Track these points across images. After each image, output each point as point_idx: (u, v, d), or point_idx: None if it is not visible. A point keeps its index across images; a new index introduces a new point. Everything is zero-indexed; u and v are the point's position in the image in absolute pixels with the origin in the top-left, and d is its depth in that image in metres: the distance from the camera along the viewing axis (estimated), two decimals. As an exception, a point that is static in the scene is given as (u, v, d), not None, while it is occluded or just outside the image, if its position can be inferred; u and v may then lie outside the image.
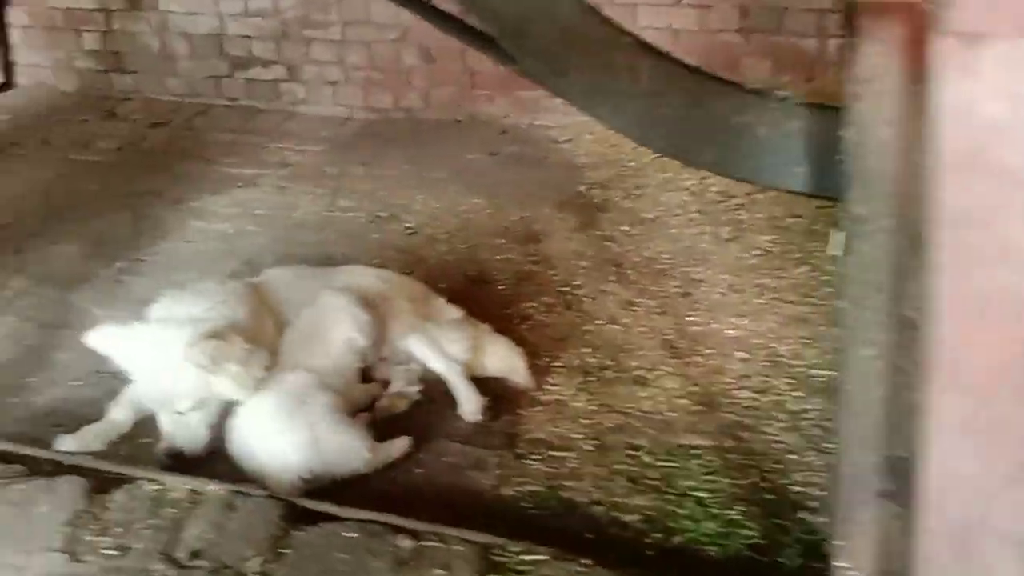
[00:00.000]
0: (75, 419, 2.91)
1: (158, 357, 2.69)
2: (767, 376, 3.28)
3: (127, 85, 6.82)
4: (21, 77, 6.96)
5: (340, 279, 3.29)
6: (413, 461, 2.76)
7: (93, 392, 3.07)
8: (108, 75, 6.83)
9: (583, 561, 2.12)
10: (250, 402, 2.68)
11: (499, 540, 2.22)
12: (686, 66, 2.51)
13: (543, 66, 2.50)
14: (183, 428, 2.69)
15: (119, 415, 2.84)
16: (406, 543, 2.18)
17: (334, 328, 2.95)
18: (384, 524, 2.26)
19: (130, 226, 4.57)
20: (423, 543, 2.19)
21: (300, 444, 2.54)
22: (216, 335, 2.68)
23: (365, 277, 3.32)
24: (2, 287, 3.86)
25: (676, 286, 4.03)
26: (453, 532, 2.23)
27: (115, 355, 2.76)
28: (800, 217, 4.83)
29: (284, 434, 2.56)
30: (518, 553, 2.17)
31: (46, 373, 3.18)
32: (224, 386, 2.67)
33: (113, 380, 3.11)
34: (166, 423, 2.70)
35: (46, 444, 2.75)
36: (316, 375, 2.81)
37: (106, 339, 2.74)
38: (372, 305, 3.14)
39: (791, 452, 2.85)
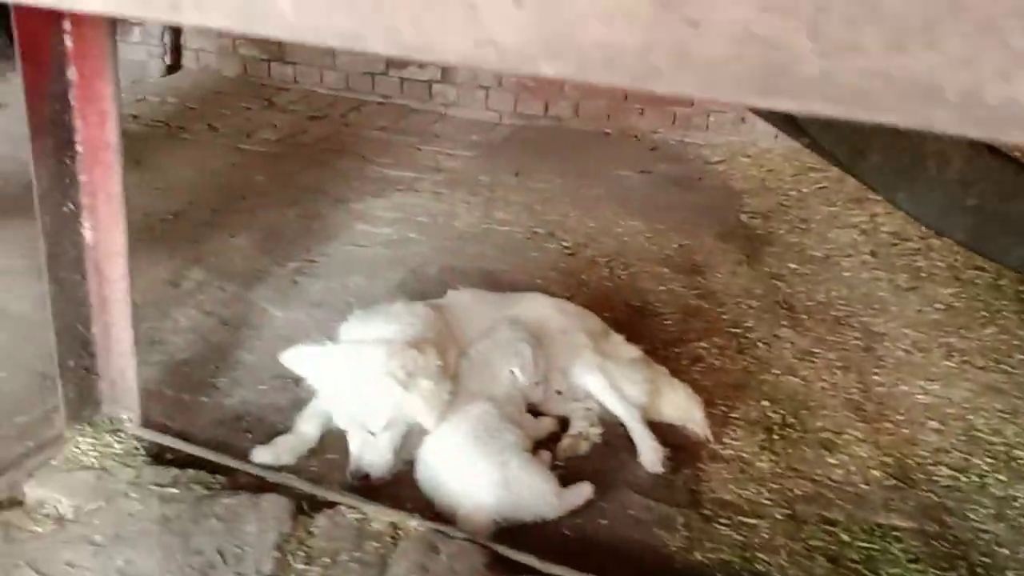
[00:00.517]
0: (264, 426, 2.96)
1: (352, 377, 2.70)
2: (965, 453, 3.07)
3: (286, 75, 7.00)
4: (188, 60, 7.23)
5: (520, 308, 3.25)
6: (596, 510, 2.69)
7: (279, 398, 3.11)
8: (269, 64, 7.02)
9: (804, 658, 2.01)
10: (441, 431, 2.66)
11: (708, 618, 2.13)
12: (1004, 156, 2.31)
13: (842, 144, 2.37)
14: (372, 450, 2.69)
15: (309, 429, 2.87)
16: (613, 611, 2.11)
17: (502, 362, 2.91)
18: (588, 586, 2.19)
19: (298, 223, 4.65)
20: (630, 613, 2.11)
21: (494, 484, 2.50)
22: (415, 347, 2.68)
23: (545, 308, 3.27)
24: (182, 277, 3.97)
25: (856, 338, 3.84)
26: (660, 604, 2.15)
27: (309, 375, 2.79)
28: (983, 270, 4.56)
29: (478, 472, 2.52)
30: (730, 637, 2.07)
31: (233, 374, 3.25)
32: (416, 406, 2.65)
33: (296, 388, 3.17)
34: (355, 444, 2.71)
35: (238, 449, 2.80)
36: (497, 407, 2.77)
37: (301, 360, 2.76)
38: (549, 338, 3.10)
39: (1000, 545, 2.65)
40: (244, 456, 2.73)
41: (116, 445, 2.58)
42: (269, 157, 5.65)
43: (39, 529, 2.28)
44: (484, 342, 3.01)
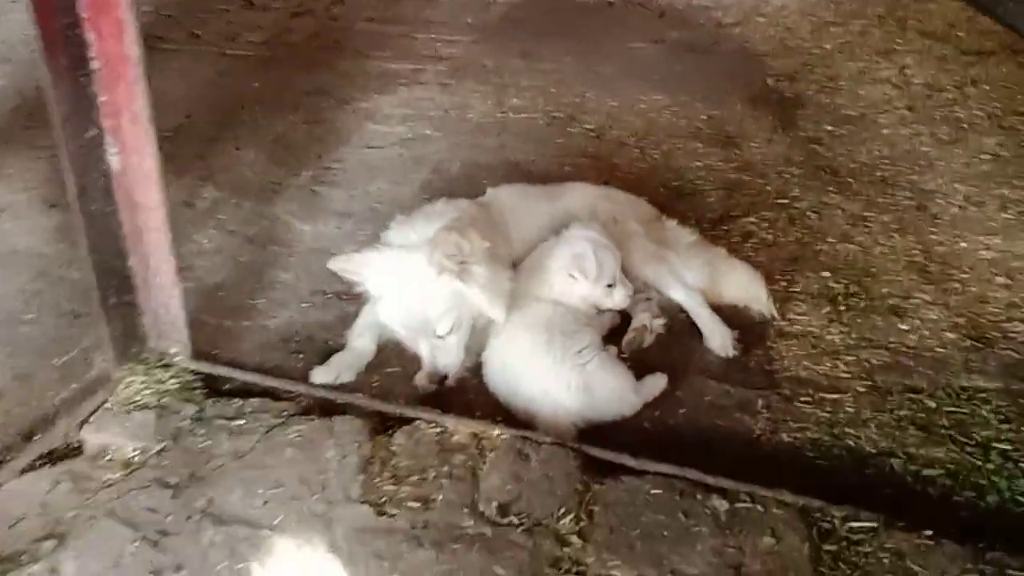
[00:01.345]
0: (314, 345, 2.83)
1: (406, 282, 2.54)
2: (1038, 306, 2.98)
3: (262, -30, 6.51)
4: (155, -37, 6.72)
5: (565, 200, 3.07)
6: (673, 400, 2.60)
7: (323, 315, 2.97)
8: (242, -41, 6.53)
9: (925, 533, 1.94)
10: (513, 334, 2.53)
11: (816, 503, 2.06)
12: None
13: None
14: (443, 352, 2.56)
15: (363, 343, 2.74)
16: (720, 504, 2.04)
17: (557, 269, 2.69)
18: (689, 480, 2.11)
19: (305, 129, 4.40)
20: (737, 504, 2.04)
21: (575, 387, 2.39)
22: (455, 229, 2.51)
23: (592, 198, 3.09)
24: (196, 196, 3.76)
25: (907, 197, 3.70)
26: (766, 492, 2.08)
27: (364, 280, 2.62)
28: (1023, 115, 4.37)
29: (559, 376, 2.40)
30: (843, 519, 2.01)
31: (272, 294, 3.09)
32: (478, 298, 2.51)
33: (341, 302, 3.03)
34: (425, 349, 2.57)
35: (293, 372, 2.68)
36: (564, 307, 2.63)
37: (353, 266, 2.60)
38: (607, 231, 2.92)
39: (1088, 397, 2.59)
40: (301, 379, 2.61)
41: (170, 381, 2.45)
42: (260, 61, 5.32)
43: (109, 476, 2.17)
44: (547, 244, 2.80)
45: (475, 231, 2.55)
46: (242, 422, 2.31)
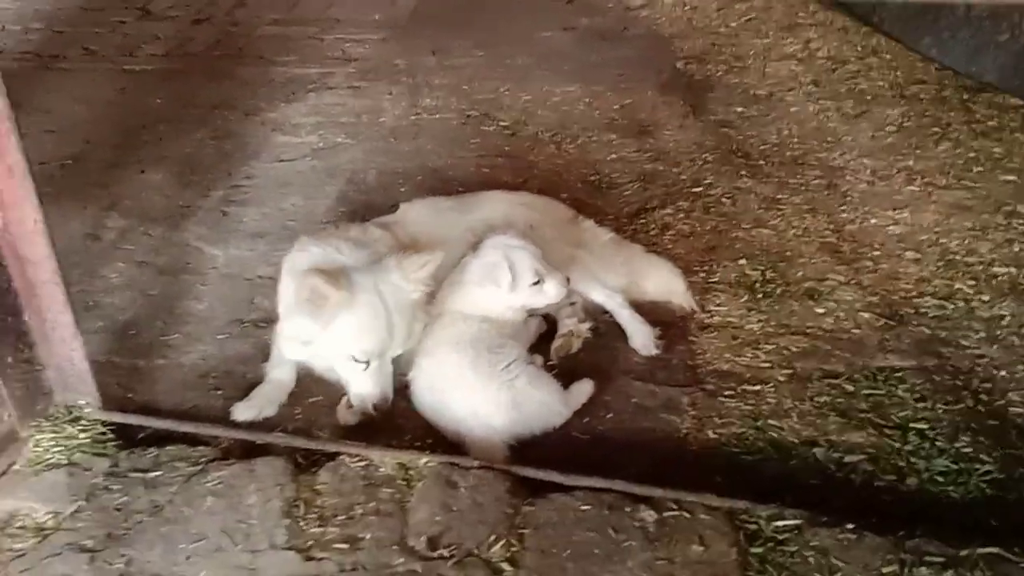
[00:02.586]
0: (232, 379, 2.75)
1: (386, 301, 2.46)
2: (947, 279, 3.08)
3: (156, -24, 6.29)
4: (41, -24, 6.42)
5: (481, 211, 3.03)
6: (600, 405, 2.60)
7: (241, 346, 2.89)
8: (134, -33, 6.29)
9: (847, 526, 1.99)
10: (439, 353, 2.49)
11: (741, 504, 2.09)
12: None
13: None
14: (384, 378, 2.50)
15: (282, 374, 2.67)
16: (649, 515, 2.05)
17: (487, 276, 2.62)
18: (617, 492, 2.12)
19: (212, 146, 4.27)
20: (665, 514, 2.06)
21: (504, 405, 2.37)
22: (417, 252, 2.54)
23: (507, 206, 3.06)
24: (101, 227, 3.62)
25: (817, 176, 3.77)
26: (692, 498, 2.10)
27: (333, 297, 2.49)
28: (924, 83, 4.51)
29: (486, 395, 2.37)
30: (769, 518, 2.04)
31: (185, 327, 2.99)
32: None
33: (256, 329, 2.96)
34: (361, 377, 2.47)
35: (212, 411, 2.60)
36: (491, 322, 2.60)
37: (330, 280, 2.43)
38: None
39: (997, 367, 2.68)
40: (221, 418, 2.54)
41: (81, 435, 2.35)
42: (160, 75, 5.14)
43: (19, 546, 2.07)
44: (472, 260, 2.74)
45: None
46: (158, 473, 2.24)
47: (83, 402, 2.41)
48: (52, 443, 2.33)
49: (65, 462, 2.29)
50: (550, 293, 2.63)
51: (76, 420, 2.40)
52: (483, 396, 2.37)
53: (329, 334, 2.44)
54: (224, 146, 4.25)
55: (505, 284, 2.55)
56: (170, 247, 3.47)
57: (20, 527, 2.15)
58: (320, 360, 2.58)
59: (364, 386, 2.48)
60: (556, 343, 2.77)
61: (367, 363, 2.47)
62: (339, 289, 2.39)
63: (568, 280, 2.66)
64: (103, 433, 2.38)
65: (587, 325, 2.83)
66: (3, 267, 2.10)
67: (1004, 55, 2.14)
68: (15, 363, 2.24)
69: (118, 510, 2.15)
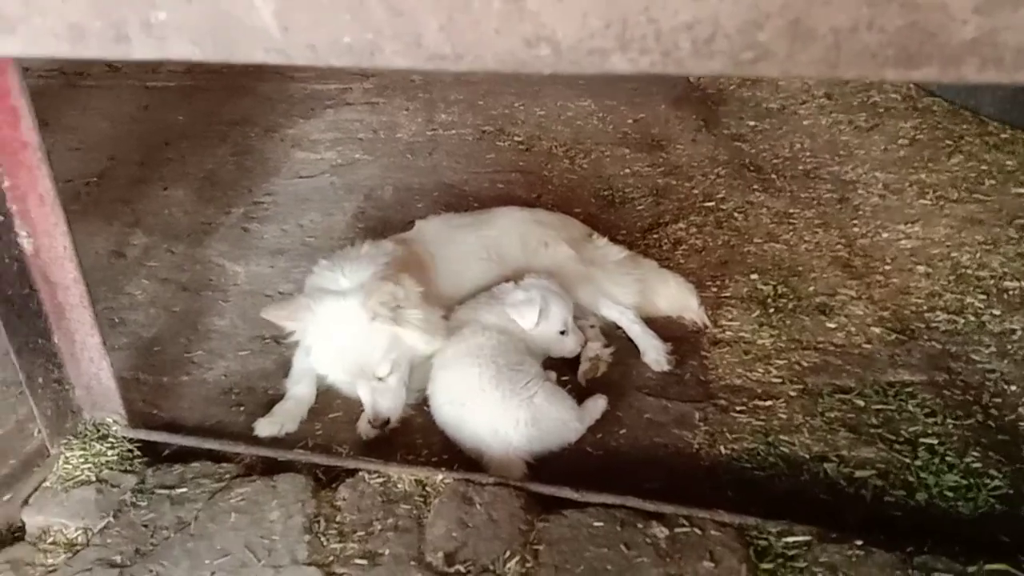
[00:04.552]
0: (254, 395, 2.82)
1: (339, 329, 2.55)
2: (958, 293, 3.09)
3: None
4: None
5: (495, 228, 3.09)
6: (613, 421, 2.65)
7: (262, 362, 2.97)
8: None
9: (856, 543, 2.02)
10: (456, 366, 2.55)
11: (751, 520, 2.13)
12: None
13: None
14: (384, 395, 2.58)
15: (302, 390, 2.74)
16: (660, 531, 2.09)
17: (523, 312, 2.71)
18: (629, 508, 2.17)
19: (233, 163, 4.35)
20: (677, 530, 2.10)
21: (523, 423, 2.42)
22: (389, 279, 2.54)
23: (521, 223, 3.12)
24: (125, 245, 3.71)
25: (829, 190, 3.79)
26: (703, 514, 2.14)
27: (298, 329, 2.64)
28: (937, 95, 4.49)
29: (506, 412, 2.42)
30: (779, 534, 2.08)
31: (208, 344, 3.07)
32: (413, 337, 2.55)
33: (277, 346, 3.02)
34: (365, 393, 2.59)
35: (235, 427, 2.67)
36: (507, 334, 2.66)
37: (285, 314, 2.60)
38: (531, 252, 2.99)
39: (1008, 382, 2.70)
40: (243, 434, 2.61)
41: (109, 452, 2.42)
42: (182, 92, 5.24)
43: (51, 561, 2.15)
44: (507, 285, 2.83)
45: (407, 277, 2.57)
46: (184, 490, 2.30)
47: (111, 420, 2.48)
48: (81, 460, 2.40)
49: (94, 479, 2.36)
50: (567, 347, 2.81)
51: (104, 437, 2.47)
52: (503, 413, 2.42)
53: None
54: (245, 162, 4.33)
55: (530, 322, 2.64)
56: (193, 264, 3.55)
57: (52, 543, 2.22)
58: (341, 376, 2.66)
59: (365, 402, 2.56)
60: (583, 367, 2.82)
61: (381, 378, 2.55)
62: (294, 321, 2.59)
63: (585, 343, 2.84)
64: (130, 450, 2.45)
65: (610, 350, 2.88)
66: (35, 291, 2.18)
67: (1002, 88, 2.16)
68: (45, 383, 2.32)
69: (145, 526, 2.21)
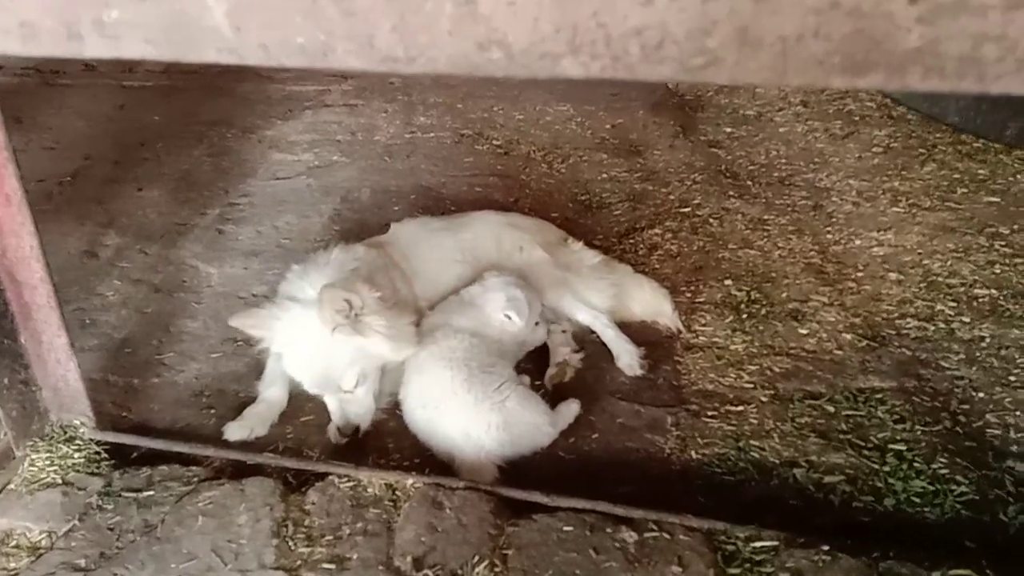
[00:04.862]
0: (225, 398, 2.80)
1: (306, 338, 2.53)
2: (928, 300, 3.12)
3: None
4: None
5: (470, 231, 3.09)
6: (586, 425, 2.65)
7: (234, 364, 2.94)
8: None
9: (823, 548, 2.03)
10: (428, 370, 2.54)
11: (720, 525, 2.13)
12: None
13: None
14: (353, 404, 2.57)
15: (274, 393, 2.72)
16: (629, 536, 2.10)
17: (494, 307, 2.73)
18: (599, 513, 2.17)
19: (209, 164, 4.33)
20: (646, 535, 2.10)
21: (495, 427, 2.41)
22: (341, 287, 2.50)
23: (497, 227, 3.12)
24: (97, 245, 3.67)
25: (803, 197, 3.82)
26: (672, 519, 2.14)
27: (264, 336, 2.62)
28: (901, 104, 4.54)
29: (478, 416, 2.42)
30: (747, 539, 2.09)
31: (180, 346, 3.04)
32: (379, 345, 2.53)
33: (250, 349, 2.99)
34: (333, 403, 2.59)
35: (205, 430, 2.65)
36: (479, 337, 2.65)
37: (253, 322, 2.59)
38: (505, 255, 3.01)
39: (976, 389, 2.73)
40: (213, 437, 2.59)
41: (75, 455, 2.40)
42: (159, 91, 5.21)
43: (14, 565, 2.12)
44: (474, 288, 2.84)
45: (362, 283, 2.53)
46: (151, 493, 2.28)
47: (78, 422, 2.45)
48: (47, 462, 2.37)
49: (60, 481, 2.33)
50: (539, 335, 2.86)
51: (71, 440, 2.44)
52: (475, 416, 2.42)
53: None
54: (221, 163, 4.31)
55: (523, 320, 2.68)
56: (166, 265, 3.52)
57: (15, 546, 2.19)
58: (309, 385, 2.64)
59: (332, 412, 2.58)
60: (551, 371, 2.82)
61: (347, 390, 2.54)
62: (261, 330, 2.59)
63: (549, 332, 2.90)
64: (97, 452, 2.43)
65: (580, 355, 2.89)
66: (0, 291, 2.15)
67: (964, 97, 2.20)
68: (11, 384, 2.29)
69: (111, 529, 2.19)
